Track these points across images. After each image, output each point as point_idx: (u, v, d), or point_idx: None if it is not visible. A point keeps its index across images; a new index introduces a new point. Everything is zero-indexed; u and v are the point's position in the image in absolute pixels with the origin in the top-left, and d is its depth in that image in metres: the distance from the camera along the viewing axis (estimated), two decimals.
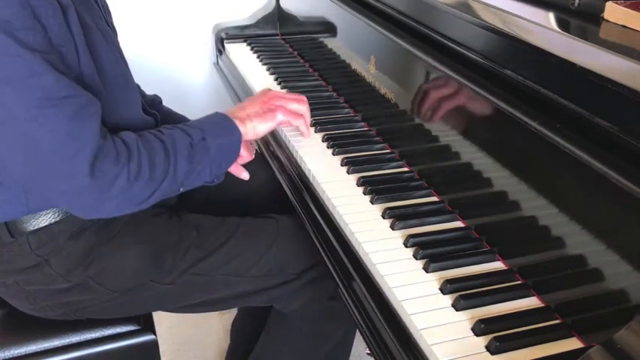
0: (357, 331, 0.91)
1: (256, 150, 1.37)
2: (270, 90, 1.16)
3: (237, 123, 1.03)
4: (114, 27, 1.08)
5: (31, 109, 0.80)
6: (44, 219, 0.97)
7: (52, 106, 0.81)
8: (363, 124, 1.31)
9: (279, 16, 1.87)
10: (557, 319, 0.78)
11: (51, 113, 0.81)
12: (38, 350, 1.04)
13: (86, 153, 0.84)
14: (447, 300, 0.81)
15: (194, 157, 0.96)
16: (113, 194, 0.88)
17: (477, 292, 0.82)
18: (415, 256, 0.89)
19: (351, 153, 1.18)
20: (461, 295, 0.80)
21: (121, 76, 0.98)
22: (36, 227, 0.97)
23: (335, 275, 0.96)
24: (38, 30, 0.81)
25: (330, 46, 1.48)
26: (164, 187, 0.93)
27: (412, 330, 0.78)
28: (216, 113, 1.05)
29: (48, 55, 0.82)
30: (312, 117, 1.33)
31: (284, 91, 1.49)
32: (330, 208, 1.04)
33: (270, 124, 1.09)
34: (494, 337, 0.73)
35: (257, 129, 1.06)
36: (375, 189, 1.04)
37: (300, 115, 1.15)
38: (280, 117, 1.10)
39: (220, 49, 1.87)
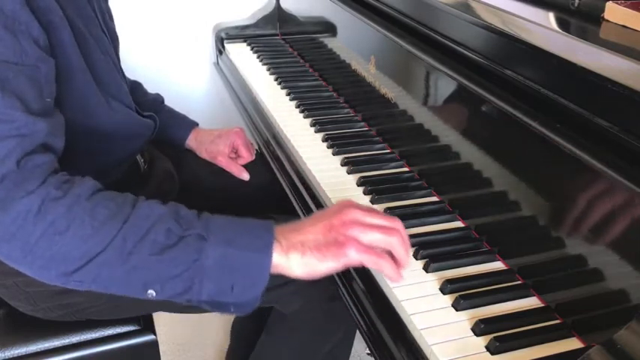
0: (357, 331, 0.91)
1: (256, 150, 1.37)
2: (351, 204, 0.80)
3: (277, 247, 0.75)
4: (115, 34, 1.08)
5: None
6: None
7: None
8: (363, 124, 1.31)
9: (279, 16, 1.87)
10: (557, 319, 0.78)
11: None
12: (38, 350, 1.04)
13: None
14: (447, 300, 0.81)
15: (171, 253, 0.72)
16: (8, 230, 0.69)
17: (476, 292, 0.82)
18: (415, 256, 0.89)
19: (351, 153, 1.18)
20: (461, 295, 0.80)
21: (114, 85, 0.98)
22: None
23: (335, 276, 0.96)
24: (5, 37, 0.72)
25: (330, 46, 1.48)
26: (97, 266, 0.71)
27: (412, 330, 0.78)
28: (265, 221, 0.78)
29: (8, 66, 0.72)
30: (312, 117, 1.34)
31: (284, 91, 1.49)
32: None
33: (332, 264, 0.75)
34: (495, 337, 0.73)
35: (308, 268, 0.75)
36: (375, 189, 1.04)
37: (383, 256, 0.78)
38: (353, 256, 0.75)
39: (220, 49, 1.87)
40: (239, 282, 0.74)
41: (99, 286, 0.73)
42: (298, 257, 0.75)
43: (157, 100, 1.29)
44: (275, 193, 1.27)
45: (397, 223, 0.79)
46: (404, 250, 0.79)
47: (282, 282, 1.12)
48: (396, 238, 0.78)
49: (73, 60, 0.86)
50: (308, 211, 1.09)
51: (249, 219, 0.77)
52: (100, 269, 0.71)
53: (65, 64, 0.85)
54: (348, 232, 0.76)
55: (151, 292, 0.73)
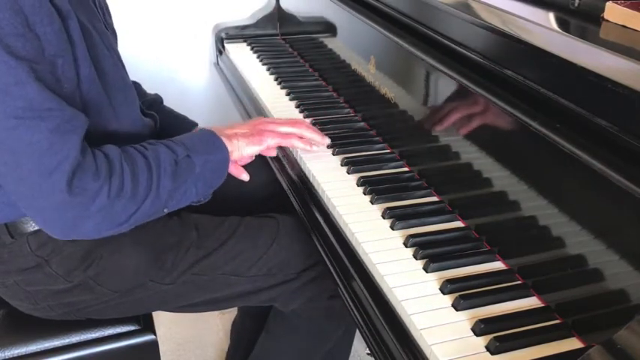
0: (357, 331, 0.91)
1: None
2: (262, 117, 1.18)
3: (224, 140, 1.01)
4: (113, 29, 1.08)
5: (11, 119, 0.78)
6: None
7: (34, 118, 0.79)
8: (363, 124, 1.31)
9: (279, 16, 1.87)
10: (557, 319, 0.78)
11: (31, 125, 0.79)
12: (38, 350, 1.04)
13: (65, 168, 0.81)
14: (447, 300, 0.81)
15: (179, 175, 0.93)
16: (92, 212, 0.85)
17: (476, 292, 0.82)
18: (415, 256, 0.89)
19: (351, 153, 1.18)
20: (461, 295, 0.80)
21: (120, 79, 0.98)
22: (36, 228, 0.97)
23: (335, 275, 0.96)
24: (29, 38, 0.78)
25: (330, 46, 1.48)
26: (146, 207, 0.90)
27: (412, 330, 0.78)
28: (203, 130, 1.03)
29: (37, 65, 0.79)
30: (312, 117, 1.34)
31: (284, 91, 1.49)
32: (330, 208, 1.04)
33: (257, 147, 1.06)
34: (495, 337, 0.73)
35: (242, 150, 1.04)
36: (375, 189, 1.04)
37: (290, 135, 1.12)
38: (269, 141, 1.08)
39: (220, 49, 1.87)
40: (215, 175, 0.99)
41: (137, 222, 0.91)
42: (237, 143, 1.04)
43: (157, 101, 1.29)
44: (275, 193, 1.27)
45: (299, 120, 1.19)
46: (311, 132, 1.14)
47: (282, 281, 1.13)
48: (301, 127, 1.13)
49: (78, 52, 0.86)
50: (308, 210, 1.09)
51: (198, 132, 1.03)
52: (143, 212, 0.90)
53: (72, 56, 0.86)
54: (267, 127, 1.10)
55: (165, 209, 0.94)
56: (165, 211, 0.95)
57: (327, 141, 1.18)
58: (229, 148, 1.01)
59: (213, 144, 0.99)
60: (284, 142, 1.11)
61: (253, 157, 1.10)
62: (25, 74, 0.78)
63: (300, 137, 1.13)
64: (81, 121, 0.85)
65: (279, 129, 1.10)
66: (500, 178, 0.88)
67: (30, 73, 0.78)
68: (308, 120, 1.33)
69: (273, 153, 1.14)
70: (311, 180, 1.12)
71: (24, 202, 0.86)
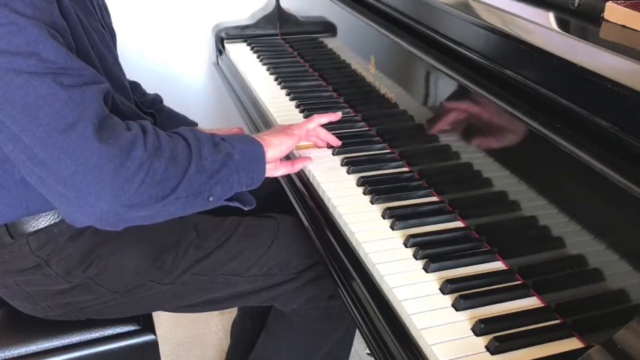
0: (357, 331, 0.91)
1: None
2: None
3: (259, 140, 1.00)
4: (112, 29, 1.08)
5: (23, 74, 0.73)
6: (44, 220, 0.97)
7: (48, 74, 0.74)
8: (363, 124, 1.31)
9: (279, 16, 1.87)
10: (557, 319, 0.78)
11: (46, 80, 0.74)
12: (38, 350, 1.04)
13: (89, 115, 0.75)
14: (447, 300, 0.81)
15: (219, 150, 0.89)
16: (131, 170, 0.76)
17: (477, 292, 0.82)
18: (415, 256, 0.89)
19: (351, 153, 1.18)
20: (461, 295, 0.80)
21: (118, 79, 0.98)
22: (36, 228, 0.97)
23: (335, 275, 0.96)
24: (38, 5, 0.76)
25: (330, 46, 1.48)
26: (192, 175, 0.83)
27: (412, 330, 0.78)
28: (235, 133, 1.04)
29: (51, 30, 0.76)
30: None
31: (284, 91, 1.50)
32: (330, 209, 1.04)
33: (290, 139, 1.06)
34: (495, 337, 0.73)
35: (280, 146, 1.03)
36: (375, 189, 1.04)
37: (311, 119, 1.14)
38: (299, 131, 1.09)
39: (220, 49, 1.87)
40: (255, 167, 0.95)
41: (182, 200, 0.84)
42: (268, 139, 1.02)
43: (156, 101, 1.29)
44: (275, 193, 1.27)
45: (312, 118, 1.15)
46: (325, 134, 1.18)
47: (282, 281, 1.13)
48: (316, 118, 1.14)
49: (82, 44, 0.86)
50: (308, 211, 1.09)
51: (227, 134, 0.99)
52: (189, 182, 0.84)
53: (76, 47, 0.85)
54: (288, 125, 1.10)
55: (211, 197, 0.89)
56: (211, 199, 0.88)
57: (340, 142, 1.21)
58: (262, 144, 0.99)
59: (247, 138, 0.98)
60: (311, 126, 1.13)
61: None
62: (36, 32, 0.74)
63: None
64: (102, 81, 0.81)
65: (300, 125, 1.12)
66: (500, 178, 0.88)
67: (42, 30, 0.75)
68: None
69: (296, 169, 1.12)
70: (311, 180, 1.12)
71: (50, 178, 0.77)
